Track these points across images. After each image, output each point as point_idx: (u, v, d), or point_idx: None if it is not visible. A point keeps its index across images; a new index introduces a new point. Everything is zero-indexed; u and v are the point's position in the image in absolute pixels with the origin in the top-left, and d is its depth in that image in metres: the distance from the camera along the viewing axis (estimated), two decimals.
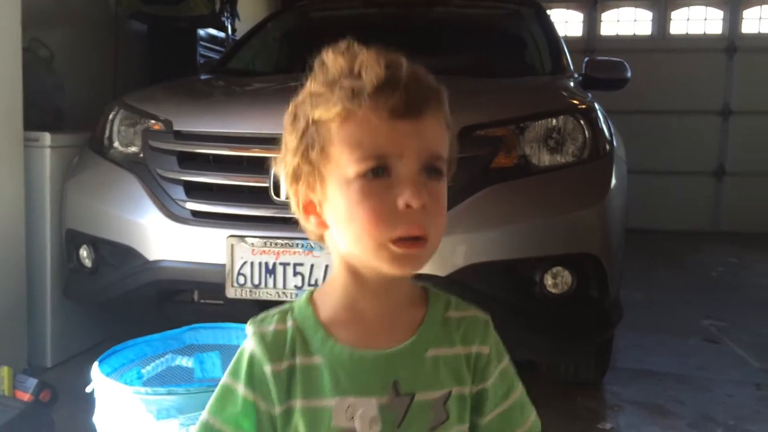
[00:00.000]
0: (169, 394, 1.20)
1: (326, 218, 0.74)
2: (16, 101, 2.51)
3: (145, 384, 1.44)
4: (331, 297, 0.77)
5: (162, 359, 1.50)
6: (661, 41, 7.14)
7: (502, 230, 2.09)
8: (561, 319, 2.14)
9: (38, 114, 2.80)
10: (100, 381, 1.29)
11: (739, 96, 6.98)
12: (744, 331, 3.52)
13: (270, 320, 0.76)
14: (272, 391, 0.73)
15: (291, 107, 0.76)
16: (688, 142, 6.99)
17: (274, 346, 0.74)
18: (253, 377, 0.74)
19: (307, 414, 0.72)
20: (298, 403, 0.73)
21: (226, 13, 4.30)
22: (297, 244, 2.02)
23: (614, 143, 2.43)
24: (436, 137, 0.72)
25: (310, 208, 0.76)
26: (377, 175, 0.69)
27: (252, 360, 0.75)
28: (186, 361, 1.52)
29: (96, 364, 1.34)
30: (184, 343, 1.54)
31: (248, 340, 0.75)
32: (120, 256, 2.26)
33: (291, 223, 2.28)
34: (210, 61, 3.68)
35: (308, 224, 0.77)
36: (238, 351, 0.76)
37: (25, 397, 1.91)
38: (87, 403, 1.39)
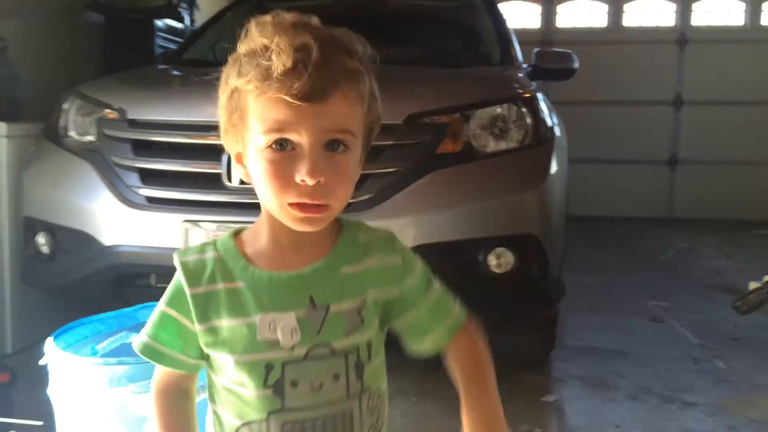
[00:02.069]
0: (119, 363, 1.27)
1: (249, 171, 0.84)
2: None
3: None
4: (258, 234, 0.87)
5: (116, 336, 1.55)
6: (615, 33, 7.32)
7: (447, 213, 2.19)
8: (504, 297, 2.25)
9: None
10: (54, 354, 1.36)
11: (690, 86, 7.19)
12: (687, 311, 3.69)
13: (192, 251, 0.88)
14: (192, 311, 0.85)
15: (226, 65, 0.83)
16: (642, 132, 7.19)
17: (193, 272, 0.85)
18: (177, 298, 0.86)
19: (234, 330, 0.83)
20: (224, 322, 0.84)
21: (183, 4, 4.32)
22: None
23: (556, 131, 2.54)
24: (342, 116, 0.79)
25: (239, 158, 0.86)
26: (283, 147, 0.78)
27: (176, 284, 0.87)
28: None
29: (50, 338, 1.40)
30: (137, 321, 1.60)
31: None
32: (77, 242, 2.30)
33: (244, 207, 2.35)
34: (167, 52, 3.71)
35: (240, 174, 0.86)
36: None
37: None
38: (47, 385, 1.45)
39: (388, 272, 0.89)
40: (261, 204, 0.85)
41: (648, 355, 2.97)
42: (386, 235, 0.92)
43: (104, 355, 1.51)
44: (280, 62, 0.76)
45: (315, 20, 0.82)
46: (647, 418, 2.34)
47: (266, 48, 0.77)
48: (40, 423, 1.77)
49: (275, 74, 0.76)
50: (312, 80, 0.76)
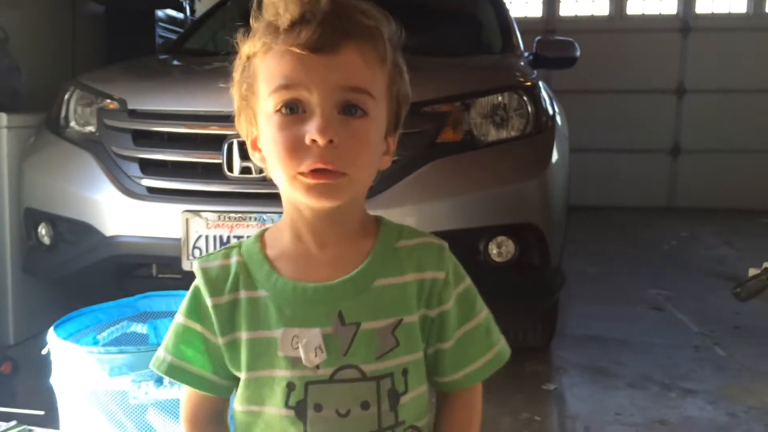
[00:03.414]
0: (120, 352, 1.28)
1: (263, 153, 0.77)
2: None
3: None
4: (280, 234, 0.80)
5: (117, 326, 1.56)
6: (618, 21, 7.29)
7: (448, 202, 2.19)
8: (505, 286, 2.25)
9: None
10: (55, 343, 1.36)
11: (693, 75, 7.17)
12: (688, 299, 3.69)
13: (215, 256, 0.80)
14: (214, 323, 0.78)
15: (241, 44, 0.78)
16: (644, 121, 7.18)
17: (215, 280, 0.78)
18: (198, 310, 0.79)
19: (254, 344, 0.76)
20: (243, 335, 0.77)
21: None
22: (250, 218, 2.10)
23: (557, 120, 2.54)
24: (356, 71, 0.72)
25: (254, 143, 0.79)
26: (293, 111, 0.72)
27: (196, 293, 0.79)
28: (140, 328, 1.59)
29: (52, 328, 1.41)
30: (138, 311, 1.61)
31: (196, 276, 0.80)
32: (78, 233, 2.31)
33: (244, 197, 2.34)
34: (167, 42, 3.70)
35: (255, 160, 0.79)
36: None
37: None
38: (49, 375, 1.46)
39: (429, 289, 0.78)
40: (281, 195, 0.78)
41: (649, 344, 2.98)
42: (434, 243, 0.81)
43: (105, 345, 1.52)
44: (288, 13, 0.71)
45: None
46: (647, 405, 2.35)
47: (275, 5, 0.73)
48: (41, 413, 1.78)
49: (282, 27, 0.72)
50: (321, 29, 0.70)
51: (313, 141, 0.70)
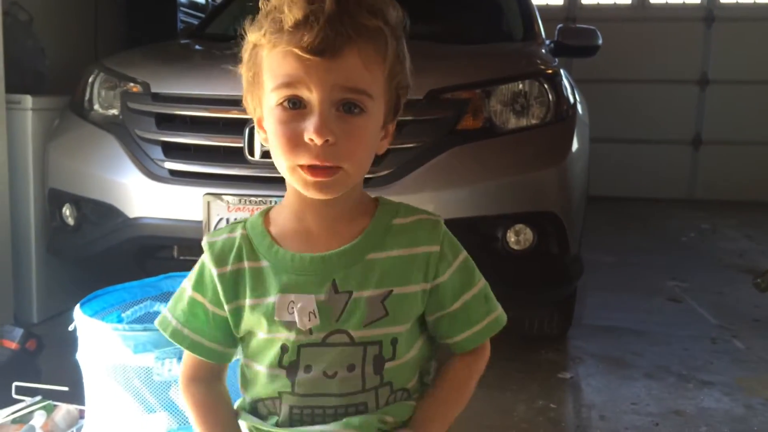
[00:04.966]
0: (145, 330, 1.31)
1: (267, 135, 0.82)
2: None
3: None
4: (283, 212, 0.86)
5: (141, 305, 1.60)
6: (641, 10, 7.21)
7: (466, 189, 2.19)
8: (523, 274, 2.26)
9: (19, 77, 2.86)
10: (81, 320, 1.39)
11: (716, 65, 7.08)
12: (706, 291, 3.67)
13: (221, 231, 0.88)
14: (220, 292, 0.84)
15: (249, 25, 0.82)
16: (666, 111, 7.10)
17: (220, 252, 0.85)
18: (203, 282, 0.86)
19: (254, 309, 0.82)
20: (246, 302, 0.83)
21: None
22: (271, 202, 2.12)
23: (578, 108, 2.53)
24: (355, 74, 0.76)
25: (260, 122, 0.83)
26: (295, 106, 0.76)
27: (202, 267, 0.86)
28: (163, 307, 1.62)
29: (78, 305, 1.44)
30: (161, 290, 1.64)
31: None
32: (101, 214, 2.34)
33: (265, 181, 2.37)
34: (189, 26, 3.72)
35: (260, 139, 0.83)
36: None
37: (12, 345, 2.01)
38: (73, 352, 1.49)
39: (425, 262, 0.83)
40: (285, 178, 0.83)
41: (666, 335, 2.97)
42: (428, 219, 0.85)
43: (129, 322, 1.56)
44: (291, 14, 0.74)
45: None
46: (663, 396, 2.35)
47: (283, 2, 0.76)
48: (66, 389, 1.82)
49: (287, 27, 0.75)
50: (323, 33, 0.73)
51: (311, 139, 0.75)
